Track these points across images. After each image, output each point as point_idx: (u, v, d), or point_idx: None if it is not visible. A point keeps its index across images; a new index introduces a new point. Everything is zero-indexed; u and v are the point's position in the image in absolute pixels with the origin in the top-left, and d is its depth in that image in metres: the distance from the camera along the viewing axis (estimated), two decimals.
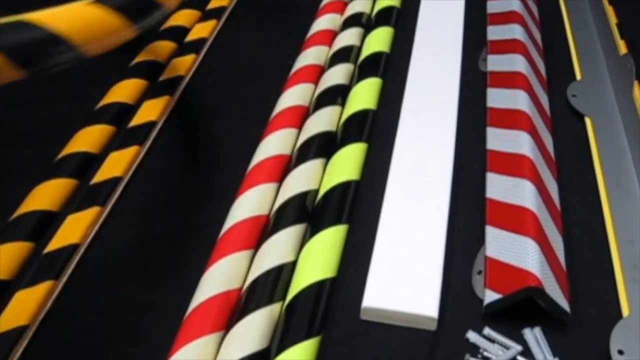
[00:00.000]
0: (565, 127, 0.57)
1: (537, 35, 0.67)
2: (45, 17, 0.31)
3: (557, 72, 0.63)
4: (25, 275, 0.45)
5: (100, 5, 0.34)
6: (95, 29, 0.33)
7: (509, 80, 0.57)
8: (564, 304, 0.41)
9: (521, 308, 0.41)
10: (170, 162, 0.55)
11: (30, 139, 0.58)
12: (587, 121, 0.57)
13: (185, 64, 0.65)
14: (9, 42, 0.30)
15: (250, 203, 0.48)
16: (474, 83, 0.61)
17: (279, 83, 0.61)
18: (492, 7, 0.70)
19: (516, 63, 0.59)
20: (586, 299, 0.44)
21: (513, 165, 0.49)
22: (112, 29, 0.34)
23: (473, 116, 0.57)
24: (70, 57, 0.33)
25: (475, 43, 0.67)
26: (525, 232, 0.44)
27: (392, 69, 0.63)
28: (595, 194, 0.51)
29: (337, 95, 0.58)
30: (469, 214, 0.49)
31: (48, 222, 0.50)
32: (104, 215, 0.50)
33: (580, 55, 0.65)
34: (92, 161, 0.55)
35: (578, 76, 0.62)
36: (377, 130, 0.56)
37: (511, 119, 0.53)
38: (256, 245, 0.46)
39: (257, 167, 0.51)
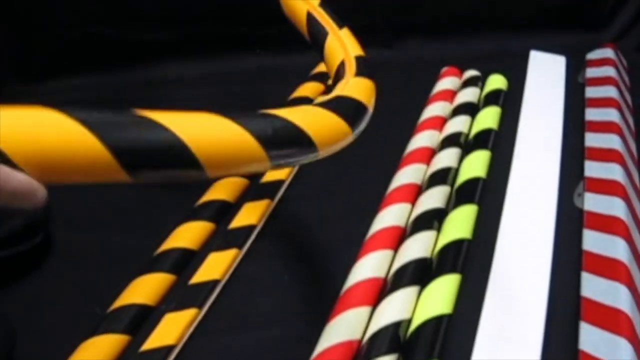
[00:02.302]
0: None
1: (635, 175, 0.66)
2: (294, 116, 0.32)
3: None
4: None
5: (333, 111, 0.35)
6: (331, 135, 0.34)
7: (608, 225, 0.57)
8: None
9: None
10: (265, 269, 0.57)
11: (133, 229, 0.61)
12: None
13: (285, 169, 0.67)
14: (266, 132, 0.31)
15: (344, 326, 0.48)
16: (568, 217, 0.61)
17: (378, 197, 0.62)
18: (590, 140, 0.70)
19: (616, 207, 0.58)
20: None
21: (609, 319, 0.49)
22: (340, 136, 0.35)
23: (567, 254, 0.57)
24: (309, 158, 0.34)
25: (571, 172, 0.67)
26: None
27: (488, 194, 0.64)
28: None
29: (433, 218, 0.59)
30: None
31: (145, 316, 0.51)
32: (199, 317, 0.52)
33: None
34: (190, 257, 0.57)
35: None
36: (471, 260, 0.56)
37: (609, 269, 0.52)
38: None
39: (351, 288, 0.52)
